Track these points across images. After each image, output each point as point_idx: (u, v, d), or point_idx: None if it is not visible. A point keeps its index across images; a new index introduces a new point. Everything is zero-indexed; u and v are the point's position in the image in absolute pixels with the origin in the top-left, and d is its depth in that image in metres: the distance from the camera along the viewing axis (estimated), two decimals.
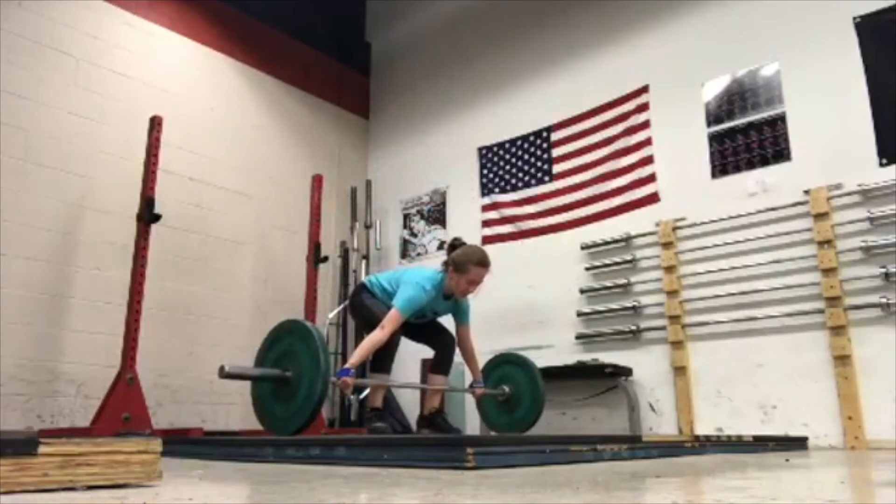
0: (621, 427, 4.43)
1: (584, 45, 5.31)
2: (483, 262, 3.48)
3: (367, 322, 3.47)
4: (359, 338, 5.72)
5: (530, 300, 5.10)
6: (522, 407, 3.84)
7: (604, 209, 4.90)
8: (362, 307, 3.57)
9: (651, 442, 2.83)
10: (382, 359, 3.46)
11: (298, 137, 6.03)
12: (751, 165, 4.30)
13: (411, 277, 3.47)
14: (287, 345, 2.81)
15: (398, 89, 6.61)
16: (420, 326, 3.67)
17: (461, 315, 3.68)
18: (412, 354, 4.45)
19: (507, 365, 3.97)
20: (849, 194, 3.88)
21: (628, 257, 4.66)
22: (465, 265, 3.43)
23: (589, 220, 4.95)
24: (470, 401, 5.10)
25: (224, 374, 2.64)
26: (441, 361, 3.71)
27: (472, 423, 5.06)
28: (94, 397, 4.01)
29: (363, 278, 3.81)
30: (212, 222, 5.16)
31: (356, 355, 3.23)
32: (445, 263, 3.55)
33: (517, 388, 3.87)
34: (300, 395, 2.68)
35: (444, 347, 3.70)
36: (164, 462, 1.35)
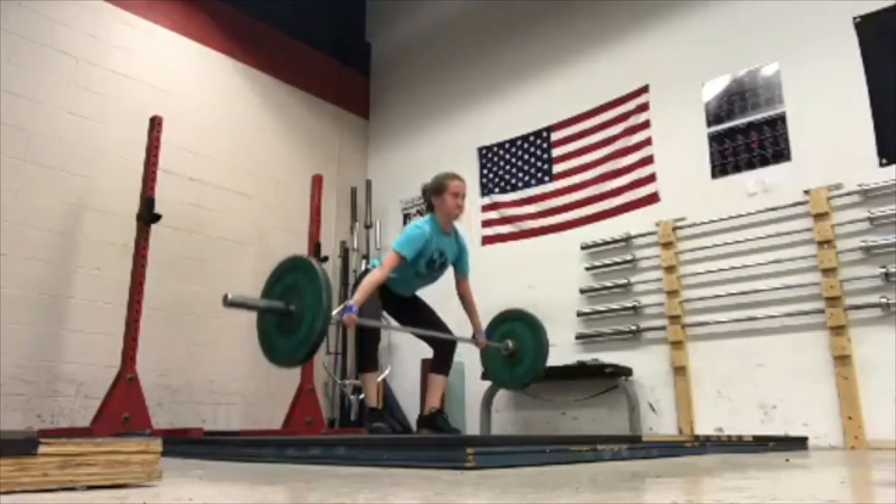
0: (621, 427, 4.42)
1: (584, 45, 5.31)
2: (455, 175, 3.58)
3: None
4: (358, 339, 5.73)
5: (530, 300, 5.07)
6: (525, 363, 3.82)
7: (604, 209, 4.90)
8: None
9: (651, 442, 2.83)
10: (366, 355, 3.50)
11: (298, 137, 6.03)
12: (751, 165, 4.30)
13: (405, 229, 3.57)
14: (291, 280, 2.84)
15: (398, 89, 6.61)
16: (414, 312, 3.63)
17: (462, 261, 3.70)
18: (412, 354, 4.44)
19: (513, 321, 3.95)
20: (849, 194, 3.88)
21: (628, 257, 4.66)
22: (443, 183, 3.53)
23: (589, 220, 4.95)
24: (470, 401, 5.12)
25: (228, 303, 2.67)
26: (440, 362, 3.71)
27: (472, 424, 5.06)
28: (94, 397, 4.00)
29: (371, 262, 3.78)
30: (212, 222, 5.15)
31: (358, 294, 3.27)
32: (427, 206, 3.61)
33: (521, 344, 3.84)
34: (303, 328, 2.71)
35: (442, 348, 3.69)
36: (164, 462, 1.35)
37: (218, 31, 5.53)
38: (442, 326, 3.68)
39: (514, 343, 3.84)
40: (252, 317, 5.20)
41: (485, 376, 4.21)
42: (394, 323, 3.79)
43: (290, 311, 2.73)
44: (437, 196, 3.52)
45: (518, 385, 3.90)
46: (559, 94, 5.35)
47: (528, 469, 1.86)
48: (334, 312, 2.86)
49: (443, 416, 3.63)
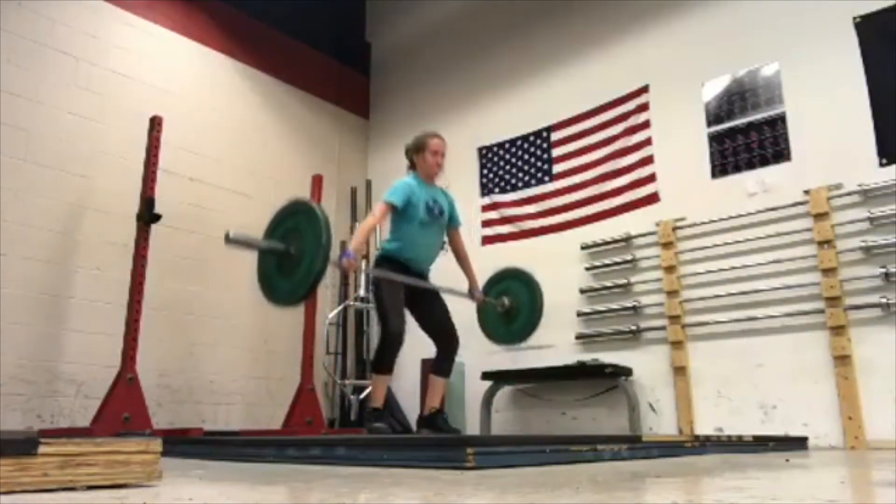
0: (621, 427, 4.42)
1: (584, 45, 5.31)
2: (435, 134, 3.69)
3: (378, 314, 3.52)
4: (358, 339, 5.74)
5: None
6: (521, 318, 3.89)
7: (604, 209, 4.90)
8: (377, 298, 3.55)
9: (651, 442, 2.83)
10: (384, 358, 3.45)
11: (298, 137, 6.03)
12: (751, 165, 4.30)
13: None
14: (292, 223, 2.88)
15: (398, 89, 6.61)
16: (428, 303, 3.62)
17: (453, 214, 3.74)
18: (412, 353, 4.44)
19: (510, 279, 4.01)
20: (849, 194, 3.88)
21: (628, 257, 4.66)
22: (422, 142, 3.62)
23: (589, 220, 4.95)
24: (470, 401, 5.12)
25: (229, 240, 2.72)
26: (443, 364, 3.69)
27: (472, 424, 5.06)
28: (94, 397, 4.01)
29: (382, 245, 3.76)
30: (212, 222, 5.14)
31: (354, 239, 3.38)
32: (409, 167, 3.68)
33: (517, 302, 3.91)
34: (303, 267, 2.76)
35: (447, 349, 3.67)
36: (164, 462, 1.35)
37: (218, 31, 5.53)
38: (451, 326, 3.66)
39: (511, 300, 3.89)
40: (252, 317, 5.21)
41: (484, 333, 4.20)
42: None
43: (291, 252, 2.78)
44: (418, 154, 3.62)
45: (514, 340, 3.96)
46: (559, 94, 5.35)
47: (528, 469, 1.86)
48: (331, 263, 2.89)
49: (443, 416, 3.62)
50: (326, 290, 5.75)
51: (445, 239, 3.77)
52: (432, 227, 3.56)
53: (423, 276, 3.59)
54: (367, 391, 4.13)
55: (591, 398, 4.62)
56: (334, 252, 2.91)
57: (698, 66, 4.64)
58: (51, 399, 4.10)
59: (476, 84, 5.92)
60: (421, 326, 3.67)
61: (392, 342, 3.41)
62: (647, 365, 4.45)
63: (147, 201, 4.04)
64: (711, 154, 4.47)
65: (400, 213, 3.46)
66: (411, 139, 3.71)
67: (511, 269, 4.02)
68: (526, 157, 5.44)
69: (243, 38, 5.71)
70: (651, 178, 4.70)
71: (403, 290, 3.47)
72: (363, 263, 5.96)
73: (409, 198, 3.45)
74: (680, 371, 4.29)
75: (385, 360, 3.45)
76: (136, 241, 4.01)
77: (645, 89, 4.85)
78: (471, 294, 3.80)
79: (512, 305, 3.89)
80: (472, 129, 5.82)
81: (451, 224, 3.72)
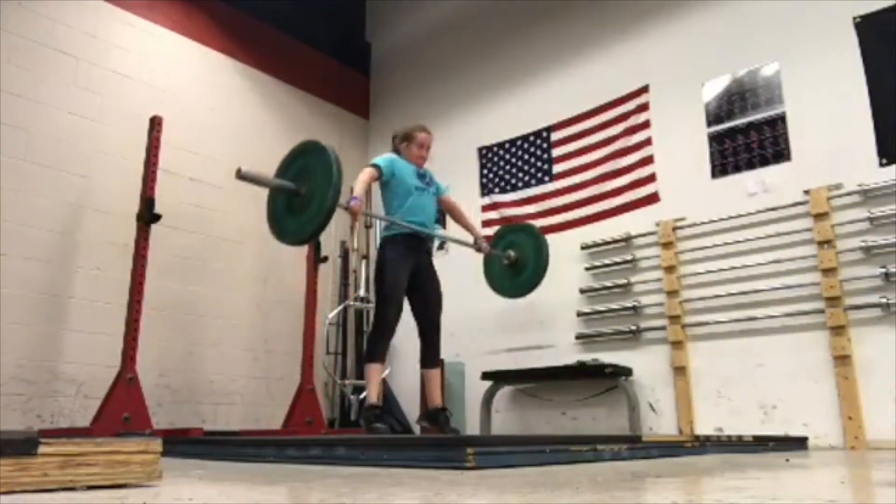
0: (621, 427, 4.42)
1: (585, 45, 5.31)
2: (424, 127, 3.75)
3: (377, 295, 3.56)
4: (358, 339, 5.73)
5: (530, 300, 5.06)
6: (526, 271, 3.98)
7: (604, 209, 4.90)
8: (378, 279, 3.57)
9: (651, 442, 2.83)
10: (376, 346, 3.46)
11: (298, 137, 5.91)
12: (751, 165, 4.30)
13: None
14: (302, 163, 2.96)
15: (398, 89, 6.61)
16: (426, 292, 3.60)
17: (438, 185, 3.81)
18: (412, 354, 4.43)
19: (517, 233, 4.11)
20: (849, 194, 3.88)
21: (628, 257, 4.66)
22: (410, 133, 3.70)
23: (589, 220, 4.95)
24: (470, 401, 5.12)
25: (240, 175, 2.77)
26: (429, 353, 3.66)
27: (472, 424, 5.06)
28: (94, 397, 4.01)
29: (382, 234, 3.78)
30: (212, 222, 5.15)
31: (356, 187, 3.45)
32: (394, 150, 3.74)
33: (523, 254, 3.99)
34: (313, 205, 2.82)
35: (429, 337, 3.64)
36: (164, 462, 1.35)
37: (218, 31, 5.53)
38: (438, 318, 3.65)
39: (517, 252, 3.98)
40: (252, 317, 5.20)
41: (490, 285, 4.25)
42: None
43: (301, 192, 2.84)
44: (404, 143, 3.70)
45: (521, 292, 4.04)
46: (559, 94, 5.35)
47: (528, 469, 1.86)
48: (339, 206, 2.93)
49: (445, 413, 3.61)
50: (326, 290, 5.74)
51: (444, 239, 3.78)
52: (425, 193, 3.67)
53: (427, 251, 3.67)
54: (365, 393, 4.10)
55: (591, 398, 4.62)
56: (343, 196, 2.93)
57: (698, 66, 4.64)
58: (51, 399, 4.10)
59: (476, 84, 5.92)
60: (412, 309, 3.68)
61: (384, 330, 3.44)
62: (647, 365, 4.45)
63: (147, 201, 4.04)
64: (711, 154, 4.47)
65: (391, 184, 3.58)
66: (400, 128, 3.80)
67: (515, 224, 4.09)
68: (526, 157, 5.44)
69: (243, 38, 5.71)
70: (651, 178, 4.70)
71: (407, 275, 3.50)
72: (363, 264, 5.97)
73: (394, 170, 3.58)
74: (680, 371, 4.29)
75: (377, 348, 3.46)
76: (136, 241, 4.01)
77: (645, 89, 4.85)
78: (477, 246, 3.89)
79: (518, 258, 3.97)
80: (472, 129, 5.82)
81: (441, 191, 3.82)
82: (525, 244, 4.01)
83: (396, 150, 3.75)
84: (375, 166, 3.56)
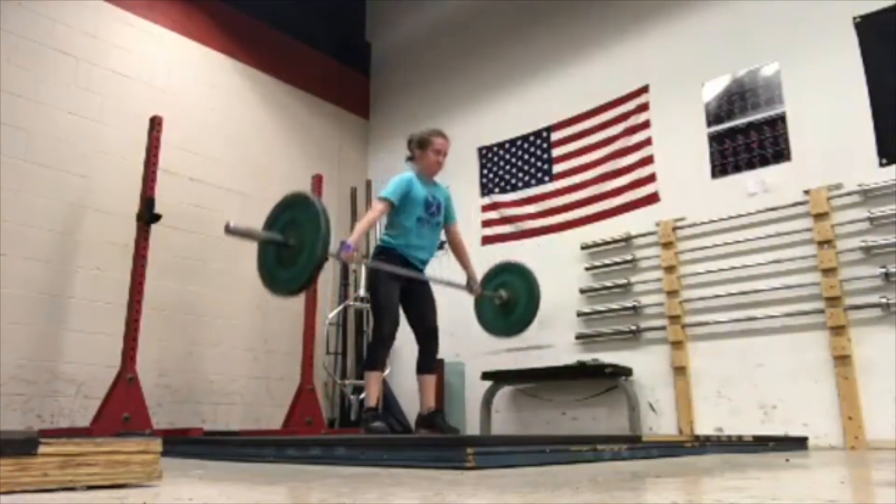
0: (621, 427, 4.42)
1: (584, 46, 5.31)
2: (441, 132, 3.67)
3: (373, 307, 3.56)
4: (358, 339, 5.73)
5: None
6: (518, 311, 3.92)
7: (604, 209, 4.90)
8: (373, 288, 3.56)
9: (651, 442, 2.83)
10: (376, 356, 3.47)
11: (298, 137, 6.03)
12: (751, 165, 4.30)
13: None
14: (290, 215, 2.95)
15: (398, 89, 6.61)
16: (419, 298, 3.61)
17: (450, 210, 3.75)
18: (412, 354, 4.43)
19: (506, 273, 4.05)
20: (849, 194, 3.88)
21: (628, 257, 4.66)
22: (427, 139, 3.61)
23: (589, 220, 4.95)
24: (470, 401, 5.12)
25: (229, 231, 2.75)
26: (426, 360, 3.68)
27: (472, 424, 5.06)
28: (94, 397, 4.01)
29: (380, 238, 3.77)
30: (212, 222, 5.14)
31: (354, 233, 3.40)
32: (409, 158, 3.69)
33: (515, 294, 3.94)
34: (303, 257, 2.82)
35: (427, 345, 3.66)
36: (164, 462, 1.35)
37: (218, 31, 5.53)
38: (435, 326, 3.67)
39: (508, 293, 3.92)
40: (252, 317, 5.21)
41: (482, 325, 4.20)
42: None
43: (290, 243, 2.84)
44: (421, 149, 3.62)
45: (513, 331, 3.98)
46: (559, 94, 5.35)
47: (528, 469, 1.86)
48: (331, 255, 2.94)
49: (441, 414, 3.62)
50: (326, 290, 5.74)
51: (444, 238, 3.77)
52: (430, 223, 3.59)
53: (420, 269, 3.61)
54: (365, 391, 4.11)
55: (591, 398, 4.62)
56: (333, 245, 2.94)
57: (698, 66, 4.64)
58: (51, 399, 4.10)
59: (476, 84, 5.92)
60: (407, 319, 3.69)
61: (384, 340, 3.45)
62: (647, 365, 4.45)
63: (147, 201, 4.04)
64: (711, 154, 4.47)
65: (398, 208, 3.48)
66: (416, 132, 3.72)
67: (507, 263, 4.06)
68: (526, 157, 5.44)
69: (243, 38, 5.71)
70: (651, 178, 4.70)
71: (399, 286, 3.48)
72: (363, 264, 5.97)
73: (408, 193, 3.48)
74: (680, 371, 4.29)
75: (377, 358, 3.48)
76: (136, 241, 4.01)
77: (645, 89, 4.85)
78: (469, 287, 3.82)
79: (509, 298, 3.92)
80: (472, 129, 5.82)
81: (448, 220, 3.74)
82: (516, 284, 3.94)
83: (411, 156, 3.68)
84: (388, 202, 3.45)
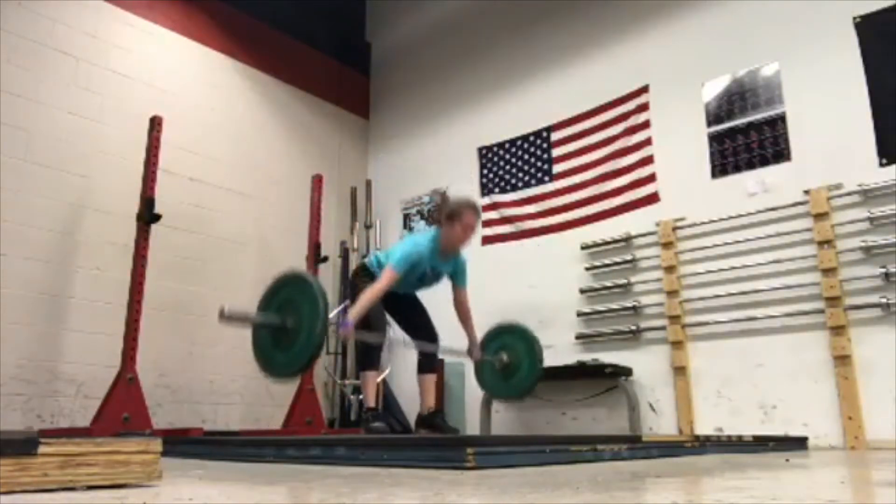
0: (621, 427, 4.42)
1: (584, 45, 5.31)
2: (475, 208, 3.56)
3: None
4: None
5: (530, 300, 5.09)
6: (519, 374, 3.88)
7: (604, 209, 4.90)
8: (360, 292, 3.56)
9: (651, 442, 2.83)
10: (369, 356, 3.48)
11: (298, 137, 6.03)
12: (751, 165, 4.30)
13: (406, 239, 3.55)
14: (286, 295, 2.85)
15: (398, 89, 6.61)
16: (407, 309, 3.63)
17: (459, 276, 3.68)
18: (412, 353, 4.43)
19: (507, 334, 4.00)
20: (849, 194, 3.88)
21: (628, 257, 4.66)
22: (459, 211, 3.47)
23: (589, 220, 4.95)
24: (470, 401, 5.12)
25: (223, 316, 2.66)
26: (426, 361, 3.70)
27: (471, 424, 5.06)
28: (94, 397, 4.00)
29: (366, 258, 3.77)
30: (212, 222, 5.15)
31: (354, 310, 3.28)
32: (436, 220, 3.57)
33: (515, 357, 3.90)
34: (300, 341, 2.72)
35: (424, 347, 3.68)
36: (164, 462, 1.35)
37: (218, 31, 5.53)
38: (430, 329, 3.68)
39: (508, 356, 3.88)
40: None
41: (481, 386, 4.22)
42: (397, 330, 3.78)
43: (286, 326, 2.72)
44: (449, 221, 3.47)
45: (515, 395, 3.93)
46: (559, 94, 5.35)
47: (528, 469, 1.86)
48: (330, 325, 2.84)
49: (440, 415, 3.63)
50: (326, 290, 5.73)
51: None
52: (421, 281, 3.58)
53: (408, 296, 3.63)
54: (363, 392, 4.12)
55: (591, 398, 4.62)
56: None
57: (698, 66, 4.64)
58: (51, 399, 4.10)
59: (476, 84, 5.92)
60: (401, 328, 3.69)
61: (372, 347, 3.43)
62: (647, 365, 4.45)
63: (147, 201, 4.04)
64: (711, 154, 4.47)
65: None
66: (448, 199, 3.55)
67: (506, 325, 4.02)
68: (526, 157, 5.44)
69: (243, 38, 5.71)
70: (651, 178, 4.70)
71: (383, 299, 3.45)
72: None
73: (410, 269, 3.41)
74: (680, 371, 4.29)
75: (369, 359, 3.49)
76: (136, 241, 4.00)
77: (645, 89, 4.85)
78: (469, 353, 3.78)
79: (510, 361, 3.87)
80: (472, 129, 5.82)
81: (458, 283, 3.68)
82: (516, 346, 3.89)
83: (439, 220, 3.54)
84: (395, 275, 3.34)
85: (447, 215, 3.48)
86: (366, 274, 3.58)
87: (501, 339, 3.98)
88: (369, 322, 3.40)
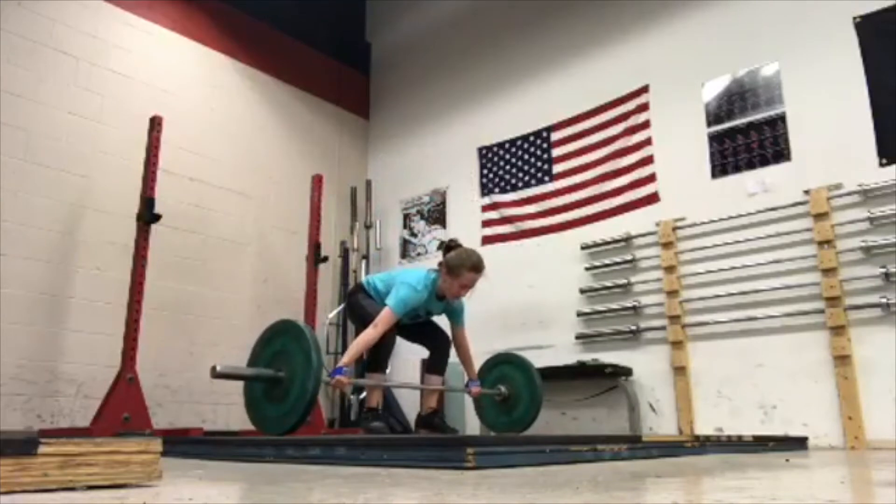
0: (621, 427, 4.42)
1: (584, 45, 5.31)
2: (476, 268, 3.44)
3: (362, 321, 3.48)
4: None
5: (530, 300, 5.10)
6: (520, 407, 3.84)
7: (604, 209, 4.90)
8: (358, 306, 3.57)
9: (651, 442, 2.83)
10: (377, 358, 3.47)
11: (298, 137, 6.03)
12: (751, 165, 4.30)
13: (405, 278, 3.47)
14: (280, 345, 2.80)
15: (398, 89, 6.61)
16: (414, 326, 3.67)
17: (455, 316, 3.68)
18: (413, 354, 4.44)
19: (505, 365, 3.97)
20: (849, 194, 3.88)
21: (628, 257, 4.66)
22: (459, 269, 3.41)
23: (589, 220, 4.95)
24: (469, 401, 5.12)
25: (216, 374, 2.63)
26: (436, 362, 3.71)
27: (471, 423, 5.06)
28: (94, 397, 4.01)
29: (361, 279, 3.79)
30: (212, 222, 5.16)
31: (348, 354, 3.24)
32: (440, 264, 3.53)
33: (515, 388, 3.87)
34: (292, 395, 2.68)
35: (438, 348, 3.70)
36: (164, 462, 1.35)
37: (218, 31, 5.53)
38: (441, 335, 3.69)
39: (508, 387, 3.86)
40: (252, 317, 5.19)
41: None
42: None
43: (280, 377, 2.69)
44: (450, 274, 3.44)
45: (517, 428, 3.84)
46: (559, 94, 5.35)
47: (528, 469, 1.86)
48: (324, 377, 2.79)
49: (440, 415, 3.64)
50: (326, 290, 5.74)
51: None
52: (413, 320, 3.59)
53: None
54: (366, 392, 4.13)
55: (591, 398, 4.62)
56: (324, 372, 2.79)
57: (698, 66, 4.64)
58: (51, 399, 4.10)
59: (476, 84, 5.92)
60: (407, 339, 3.70)
61: (387, 342, 3.42)
62: (647, 365, 4.45)
63: (147, 201, 4.04)
64: (711, 154, 4.47)
65: None
66: (456, 251, 3.49)
67: (504, 355, 4.02)
68: (526, 157, 5.44)
69: (243, 38, 5.71)
70: (651, 178, 4.70)
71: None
72: (363, 264, 5.96)
73: (409, 308, 3.41)
74: (680, 371, 4.29)
75: (380, 360, 3.47)
76: (136, 241, 4.00)
77: (645, 89, 4.85)
78: (468, 388, 3.77)
79: (510, 393, 3.85)
80: (472, 129, 5.82)
81: (455, 323, 3.68)
82: (517, 377, 3.86)
83: (441, 265, 3.50)
84: (396, 316, 3.30)
85: (449, 267, 3.44)
86: (364, 293, 3.61)
87: (500, 369, 3.95)
88: (373, 311, 3.39)
